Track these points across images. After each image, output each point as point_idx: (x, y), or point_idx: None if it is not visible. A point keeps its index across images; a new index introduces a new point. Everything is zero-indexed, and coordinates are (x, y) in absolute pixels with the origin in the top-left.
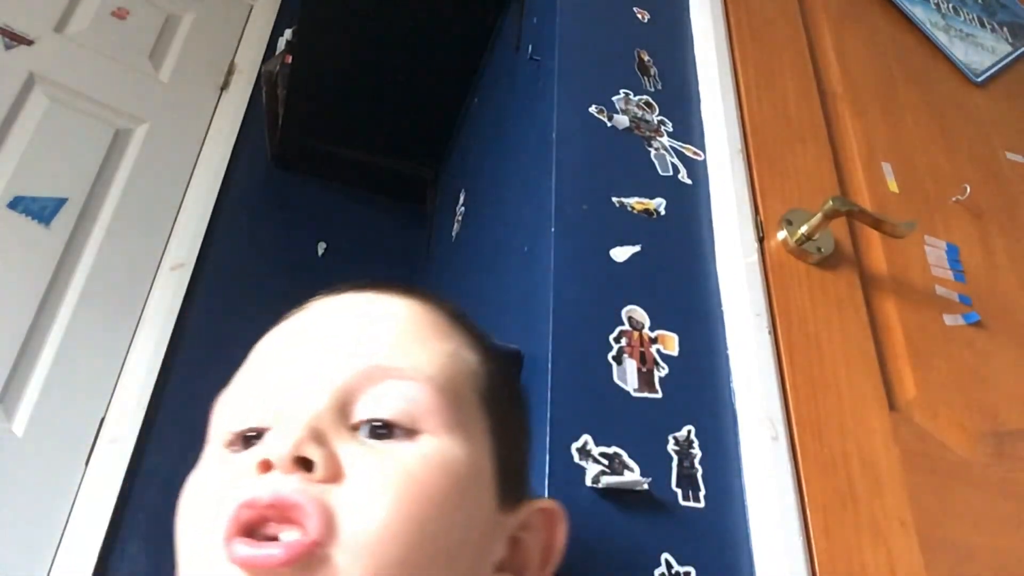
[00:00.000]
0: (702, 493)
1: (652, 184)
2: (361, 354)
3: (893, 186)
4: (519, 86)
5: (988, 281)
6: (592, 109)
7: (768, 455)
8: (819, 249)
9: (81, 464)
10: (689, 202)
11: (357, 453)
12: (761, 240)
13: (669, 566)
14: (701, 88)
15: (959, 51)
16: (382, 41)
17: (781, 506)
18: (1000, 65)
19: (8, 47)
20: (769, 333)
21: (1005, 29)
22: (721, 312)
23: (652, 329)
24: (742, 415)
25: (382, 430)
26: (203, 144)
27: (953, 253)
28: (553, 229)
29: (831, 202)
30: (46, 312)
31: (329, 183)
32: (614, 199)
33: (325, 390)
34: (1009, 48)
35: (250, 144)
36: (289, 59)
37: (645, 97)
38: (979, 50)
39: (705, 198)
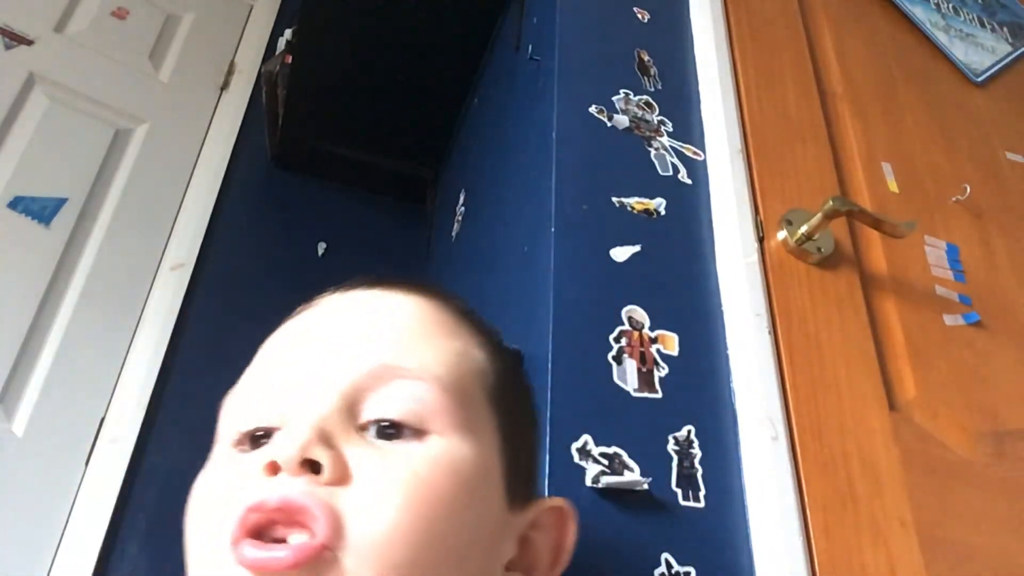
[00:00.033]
0: (702, 493)
1: (652, 184)
2: (368, 353)
3: (893, 186)
4: (519, 86)
5: (988, 281)
6: (592, 109)
7: (768, 455)
8: (819, 249)
9: (81, 464)
10: (689, 202)
11: (365, 454)
12: (761, 240)
13: (669, 566)
14: (701, 88)
15: (959, 51)
16: (382, 41)
17: (781, 506)
18: (1000, 65)
19: (8, 47)
20: (769, 333)
21: (1005, 29)
22: (721, 312)
23: (652, 329)
24: (742, 415)
25: (390, 430)
26: (203, 144)
27: (953, 253)
28: (553, 229)
29: (831, 202)
30: (46, 312)
31: (329, 183)
32: (614, 199)
33: (332, 390)
34: (1009, 48)
35: (250, 144)
36: (289, 59)
37: (645, 97)
38: (979, 50)
39: (705, 198)
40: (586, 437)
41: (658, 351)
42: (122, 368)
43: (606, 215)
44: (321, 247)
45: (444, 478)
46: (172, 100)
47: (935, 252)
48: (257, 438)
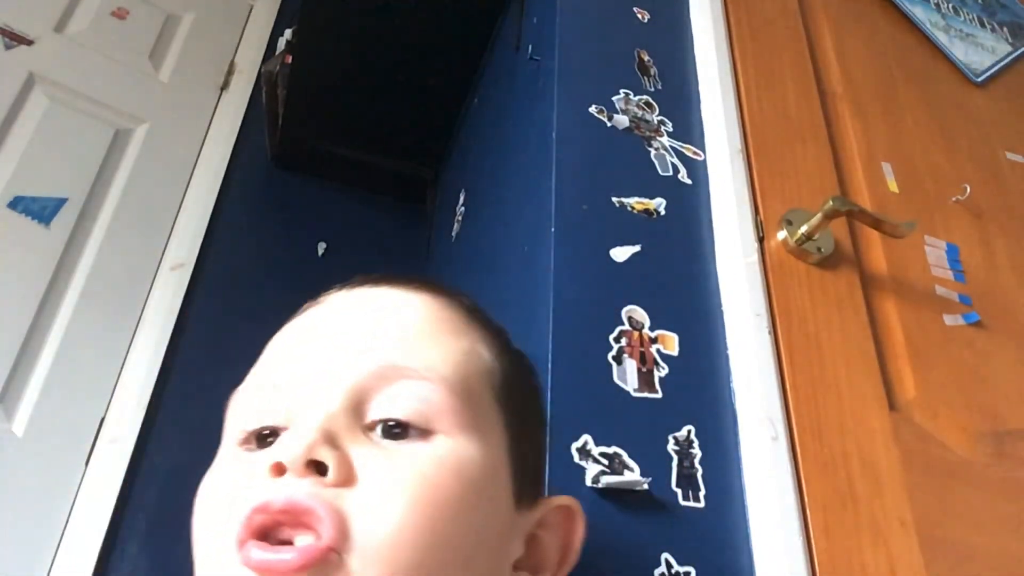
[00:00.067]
0: (702, 493)
1: (652, 184)
2: (375, 353)
3: (893, 186)
4: (519, 86)
5: (988, 281)
6: (592, 109)
7: (768, 455)
8: (819, 249)
9: (81, 464)
10: (689, 202)
11: (370, 455)
12: (761, 240)
13: (669, 566)
14: (701, 88)
15: (959, 51)
16: (382, 41)
17: (781, 506)
18: (1000, 65)
19: (8, 47)
20: (769, 333)
21: (1005, 29)
22: (721, 312)
23: (652, 329)
24: (742, 415)
25: (396, 430)
26: (203, 144)
27: (953, 253)
28: (553, 229)
29: (831, 202)
30: (46, 312)
31: (329, 183)
32: (614, 199)
33: (338, 389)
34: (1009, 48)
35: (250, 144)
36: (289, 59)
37: (645, 97)
38: (979, 50)
39: (705, 198)
40: (586, 437)
41: (658, 351)
42: (122, 368)
43: (606, 215)
44: (321, 247)
45: (450, 479)
46: (172, 100)
47: (935, 252)
48: (264, 437)
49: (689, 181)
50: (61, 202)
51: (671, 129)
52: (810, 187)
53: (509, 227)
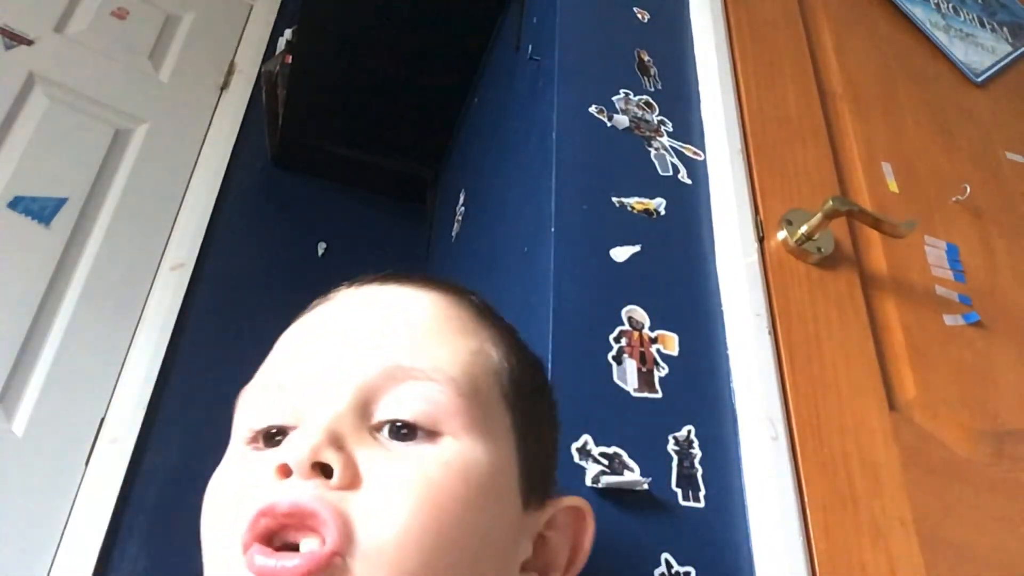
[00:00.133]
0: (702, 493)
1: (652, 184)
2: (383, 353)
3: (893, 186)
4: (519, 86)
5: (988, 281)
6: (592, 109)
7: (768, 455)
8: (819, 249)
9: (81, 464)
10: (689, 202)
11: (376, 457)
12: (761, 240)
13: (669, 566)
14: (701, 88)
15: (959, 51)
16: (382, 41)
17: (781, 506)
18: (1000, 65)
19: (8, 47)
20: (769, 333)
21: (1005, 29)
22: (721, 312)
23: (652, 329)
24: (742, 415)
25: (403, 431)
26: (203, 144)
27: (953, 253)
28: (553, 229)
29: (831, 202)
30: (46, 312)
31: (329, 183)
32: (614, 199)
33: (346, 389)
34: (1009, 48)
35: (250, 144)
36: (289, 59)
37: (645, 97)
38: (979, 50)
39: (705, 198)
40: (586, 437)
41: (658, 351)
42: (122, 368)
43: (606, 215)
44: (321, 247)
45: (457, 481)
46: (172, 100)
47: (935, 252)
48: (271, 435)
49: (689, 181)
50: (61, 202)
51: (671, 129)
52: (810, 187)
53: (509, 227)
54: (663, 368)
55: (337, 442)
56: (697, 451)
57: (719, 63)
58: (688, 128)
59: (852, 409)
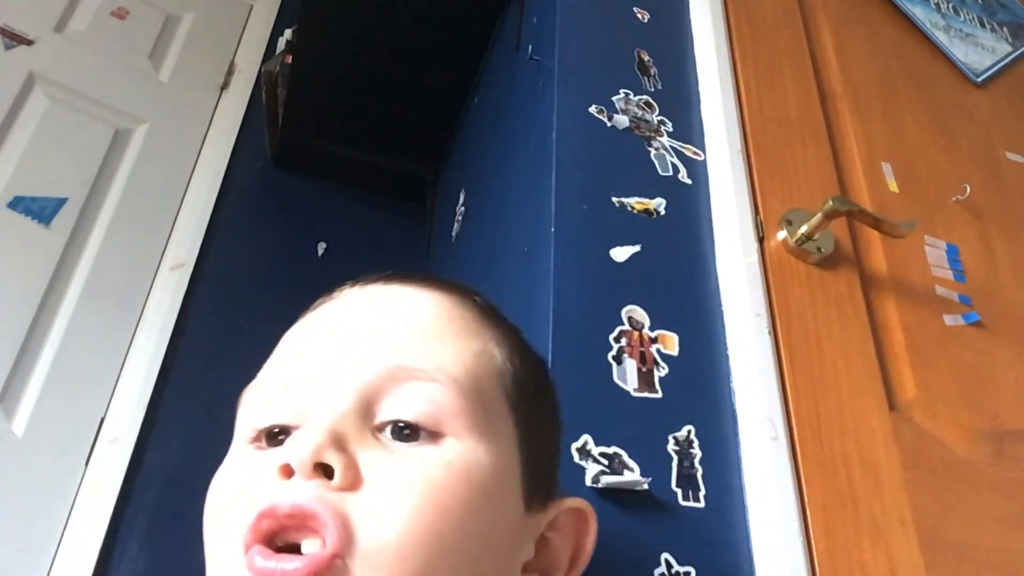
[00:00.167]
0: (702, 493)
1: (652, 184)
2: (386, 353)
3: (893, 186)
4: (519, 86)
5: (988, 281)
6: (592, 109)
7: (768, 455)
8: (819, 249)
9: (81, 464)
10: (689, 202)
11: (378, 458)
12: (761, 240)
13: (669, 566)
14: (701, 88)
15: (959, 51)
16: (382, 41)
17: (781, 506)
18: (1000, 65)
19: (8, 47)
20: (769, 333)
21: (1005, 29)
22: (721, 312)
23: (652, 329)
24: (742, 415)
25: (406, 432)
26: (203, 144)
27: (953, 253)
28: (553, 229)
29: (831, 202)
30: (46, 312)
31: (329, 183)
32: (614, 199)
33: (348, 389)
34: (1009, 48)
35: (250, 144)
36: (289, 59)
37: (645, 97)
38: (979, 50)
39: (705, 198)
40: (586, 437)
41: (658, 351)
42: (122, 368)
43: (606, 215)
44: (321, 247)
45: (458, 482)
46: (172, 100)
47: (935, 252)
48: (274, 435)
49: (689, 181)
50: (61, 202)
51: (671, 129)
52: (810, 187)
53: (509, 227)
54: (663, 368)
55: (339, 443)
56: (697, 451)
57: (719, 63)
58: (688, 128)
59: (852, 409)
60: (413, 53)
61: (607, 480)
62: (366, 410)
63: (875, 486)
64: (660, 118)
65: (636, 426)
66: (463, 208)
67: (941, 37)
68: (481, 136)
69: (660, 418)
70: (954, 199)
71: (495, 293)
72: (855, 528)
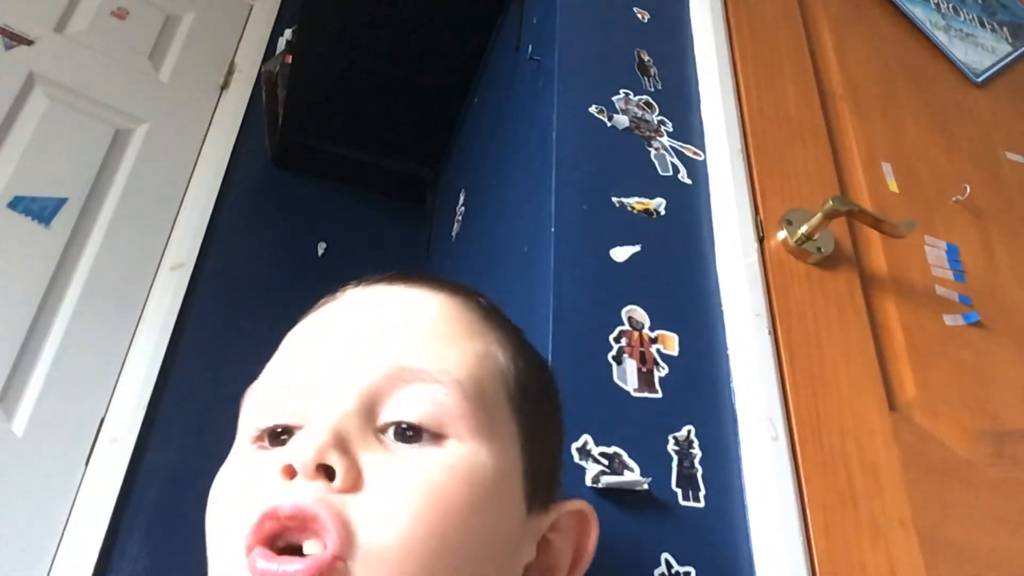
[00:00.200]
0: (702, 493)
1: (652, 184)
2: (389, 354)
3: (893, 186)
4: (519, 86)
5: (988, 281)
6: (592, 109)
7: (768, 455)
8: (819, 249)
9: (81, 464)
10: (689, 202)
11: (380, 460)
12: (761, 240)
13: (669, 566)
14: (701, 88)
15: (959, 51)
16: (382, 41)
17: (781, 506)
18: (1000, 65)
19: (8, 47)
20: (769, 333)
21: (1005, 29)
22: (721, 312)
23: (652, 329)
24: (742, 415)
25: (409, 433)
26: (203, 144)
27: (953, 253)
28: (553, 229)
29: (831, 202)
30: (46, 312)
31: (329, 183)
32: (614, 199)
33: (352, 390)
34: (1009, 48)
35: (250, 144)
36: (289, 59)
37: (645, 97)
38: (979, 50)
39: (705, 198)
40: (586, 437)
41: (658, 351)
42: (122, 368)
43: (606, 215)
44: (321, 247)
45: (460, 485)
46: (172, 100)
47: (935, 252)
48: (277, 435)
49: (689, 181)
50: (61, 202)
51: (671, 129)
52: (810, 187)
53: (509, 227)
54: (663, 368)
55: (342, 444)
56: (697, 451)
57: (719, 63)
58: (688, 128)
59: (852, 409)
60: (413, 53)
61: (607, 480)
62: (369, 411)
63: (875, 486)
64: (660, 118)
65: (636, 426)
66: (463, 208)
67: (941, 37)
68: (481, 136)
69: (660, 418)
70: (954, 199)
71: (495, 293)
72: (855, 528)
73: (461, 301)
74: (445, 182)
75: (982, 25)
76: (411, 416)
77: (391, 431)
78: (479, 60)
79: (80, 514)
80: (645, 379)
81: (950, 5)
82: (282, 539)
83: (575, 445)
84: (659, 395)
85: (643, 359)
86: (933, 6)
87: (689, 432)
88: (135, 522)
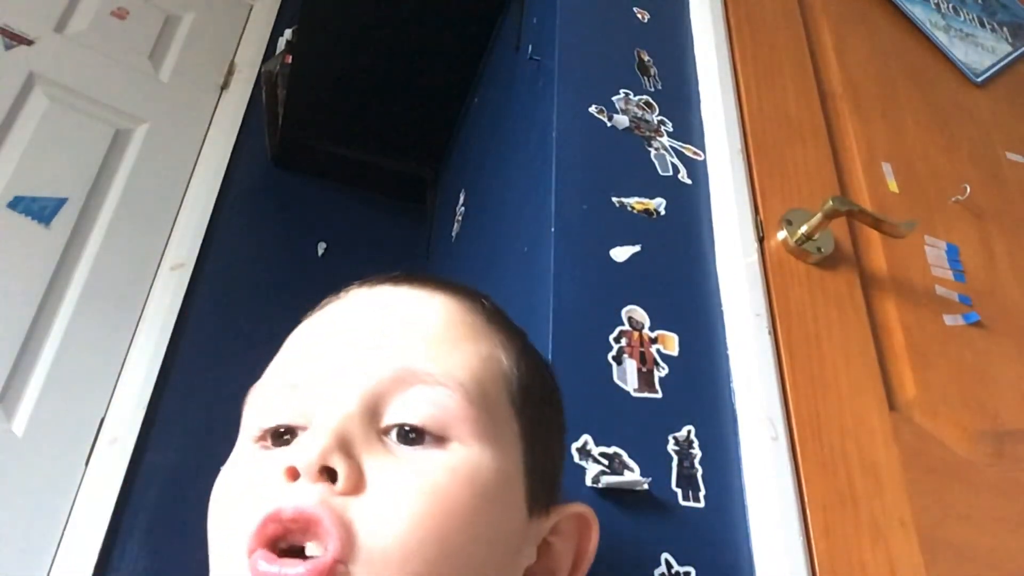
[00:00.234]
0: (702, 493)
1: (652, 184)
2: (393, 356)
3: (893, 186)
4: (519, 86)
5: (988, 281)
6: (592, 109)
7: (768, 455)
8: (819, 249)
9: (81, 464)
10: (689, 202)
11: (383, 462)
12: (761, 240)
13: (669, 566)
14: (701, 88)
15: (959, 51)
16: (382, 41)
17: (781, 506)
18: (1000, 65)
19: (8, 47)
20: (769, 333)
21: (1005, 29)
22: (721, 312)
23: (652, 329)
24: (742, 415)
25: (411, 435)
26: (203, 144)
27: (953, 253)
28: (553, 229)
29: (831, 202)
30: (46, 312)
31: (329, 183)
32: (614, 199)
33: (355, 391)
34: (1009, 48)
35: (250, 144)
36: (289, 59)
37: (645, 97)
38: (979, 50)
39: (705, 198)
40: (586, 437)
41: (658, 351)
42: (122, 368)
43: (606, 215)
44: (321, 247)
45: (463, 488)
46: (172, 100)
47: (935, 252)
48: (280, 435)
49: (689, 181)
50: (61, 202)
51: (671, 129)
52: (810, 187)
53: (509, 227)
54: (663, 368)
55: (345, 446)
56: (697, 451)
57: (719, 63)
58: (688, 128)
59: (852, 409)
60: (413, 53)
61: (607, 480)
62: (372, 412)
63: (875, 486)
64: (660, 118)
65: (636, 426)
66: (463, 208)
67: (941, 37)
68: (481, 136)
69: (660, 418)
70: (954, 199)
71: (495, 293)
72: (855, 528)
73: (465, 303)
74: (445, 182)
75: (982, 25)
76: (414, 418)
77: (394, 433)
78: (479, 60)
79: (80, 514)
80: (645, 379)
81: (950, 5)
82: (284, 540)
83: (575, 445)
84: (659, 395)
85: (643, 359)
86: (933, 6)
87: (689, 432)
88: (135, 522)
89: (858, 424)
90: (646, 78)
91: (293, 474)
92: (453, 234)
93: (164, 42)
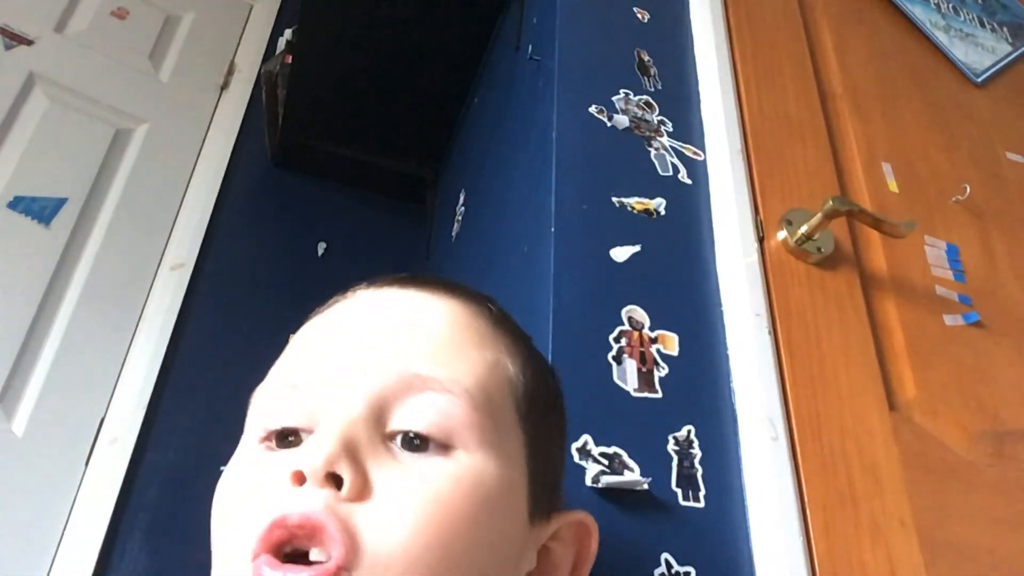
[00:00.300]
0: (702, 493)
1: (652, 184)
2: (400, 360)
3: (893, 186)
4: (519, 86)
5: (988, 281)
6: (592, 109)
7: (768, 455)
8: (819, 249)
9: (81, 464)
10: (689, 202)
11: (388, 469)
12: (761, 240)
13: (669, 566)
14: (701, 88)
15: (959, 51)
16: (382, 41)
17: (781, 506)
18: (1000, 65)
19: (8, 47)
20: (769, 333)
21: (1005, 29)
22: (721, 312)
23: (652, 329)
24: (742, 415)
25: (416, 442)
26: (203, 144)
27: (953, 253)
28: (553, 229)
29: (831, 202)
30: (46, 312)
31: (329, 183)
32: (614, 199)
33: (361, 395)
34: (1009, 48)
35: (250, 144)
36: (289, 59)
37: (645, 97)
38: (979, 50)
39: (705, 198)
40: (586, 437)
41: (658, 351)
42: (122, 368)
43: (606, 215)
44: (321, 247)
45: (466, 497)
46: (172, 100)
47: (935, 252)
48: (284, 436)
49: (689, 181)
50: (61, 202)
51: (671, 129)
52: (810, 187)
53: (509, 227)
54: (663, 368)
55: (351, 452)
56: (697, 451)
57: (719, 63)
58: (688, 128)
59: (852, 409)
60: (413, 53)
61: (607, 480)
62: (378, 417)
63: (875, 486)
64: (660, 118)
65: (636, 426)
66: (463, 208)
67: (941, 37)
68: (481, 136)
69: (660, 418)
70: (954, 199)
71: (495, 293)
72: (855, 528)
73: (472, 308)
74: (445, 182)
75: (982, 25)
76: (419, 426)
77: (399, 439)
78: (479, 60)
79: (80, 514)
80: (645, 379)
81: (950, 5)
82: (289, 545)
83: (575, 445)
84: (659, 395)
85: (643, 359)
86: (933, 6)
87: (689, 432)
88: (135, 522)
89: (858, 424)
90: (646, 78)
91: (299, 479)
92: (453, 234)
93: (164, 42)
